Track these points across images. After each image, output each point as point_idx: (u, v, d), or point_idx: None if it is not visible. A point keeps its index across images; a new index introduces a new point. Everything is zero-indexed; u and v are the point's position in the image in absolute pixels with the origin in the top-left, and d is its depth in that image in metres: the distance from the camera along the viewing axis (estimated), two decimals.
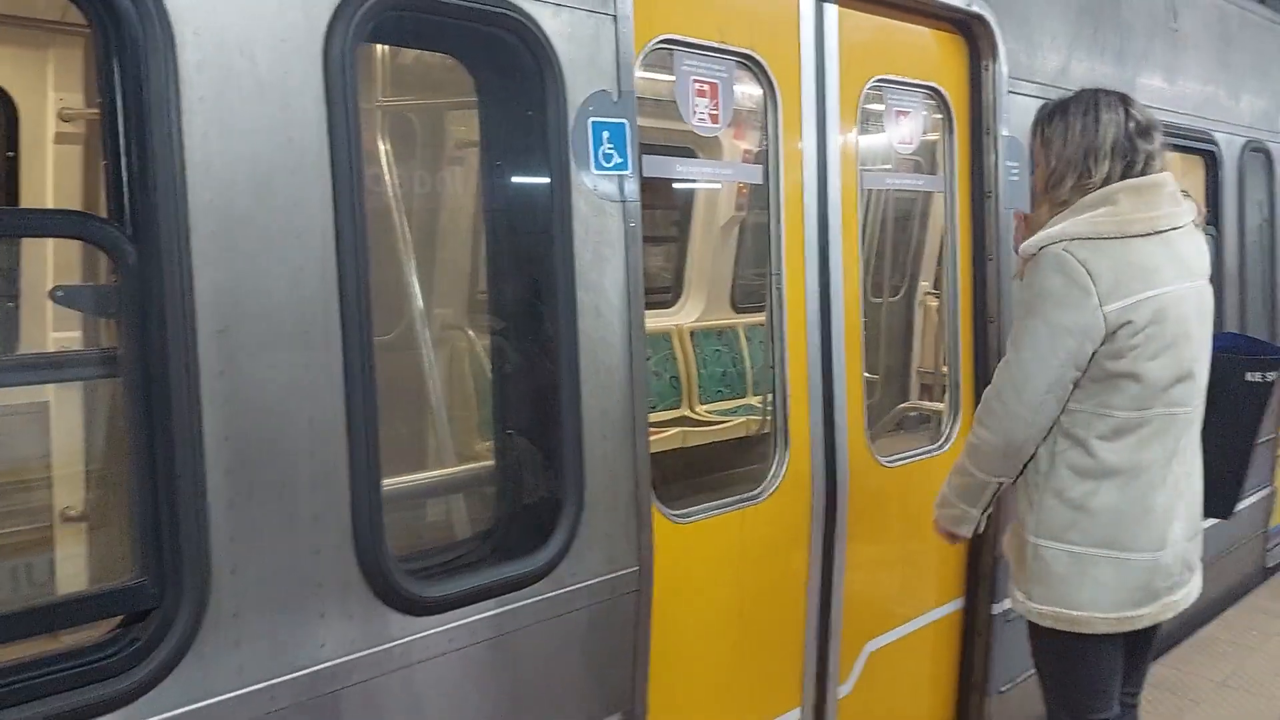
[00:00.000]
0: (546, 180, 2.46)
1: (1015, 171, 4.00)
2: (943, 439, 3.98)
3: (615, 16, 2.56)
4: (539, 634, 2.45)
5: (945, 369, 6.17)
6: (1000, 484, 2.82)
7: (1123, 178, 2.65)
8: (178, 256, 1.81)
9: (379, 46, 3.54)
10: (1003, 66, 3.90)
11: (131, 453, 1.80)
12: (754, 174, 3.28)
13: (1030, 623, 2.88)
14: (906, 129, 3.76)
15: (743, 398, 7.47)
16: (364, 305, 2.06)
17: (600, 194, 2.54)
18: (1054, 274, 2.58)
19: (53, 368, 1.97)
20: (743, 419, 6.77)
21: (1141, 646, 2.97)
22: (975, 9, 3.76)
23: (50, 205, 4.61)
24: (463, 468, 2.64)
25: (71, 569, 2.79)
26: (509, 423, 2.55)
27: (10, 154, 4.57)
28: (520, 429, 2.53)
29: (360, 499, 2.07)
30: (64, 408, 2.79)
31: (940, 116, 3.89)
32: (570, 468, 2.48)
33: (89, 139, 4.69)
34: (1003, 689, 4.15)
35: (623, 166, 2.59)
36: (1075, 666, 2.87)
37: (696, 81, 2.97)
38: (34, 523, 2.85)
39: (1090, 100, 2.74)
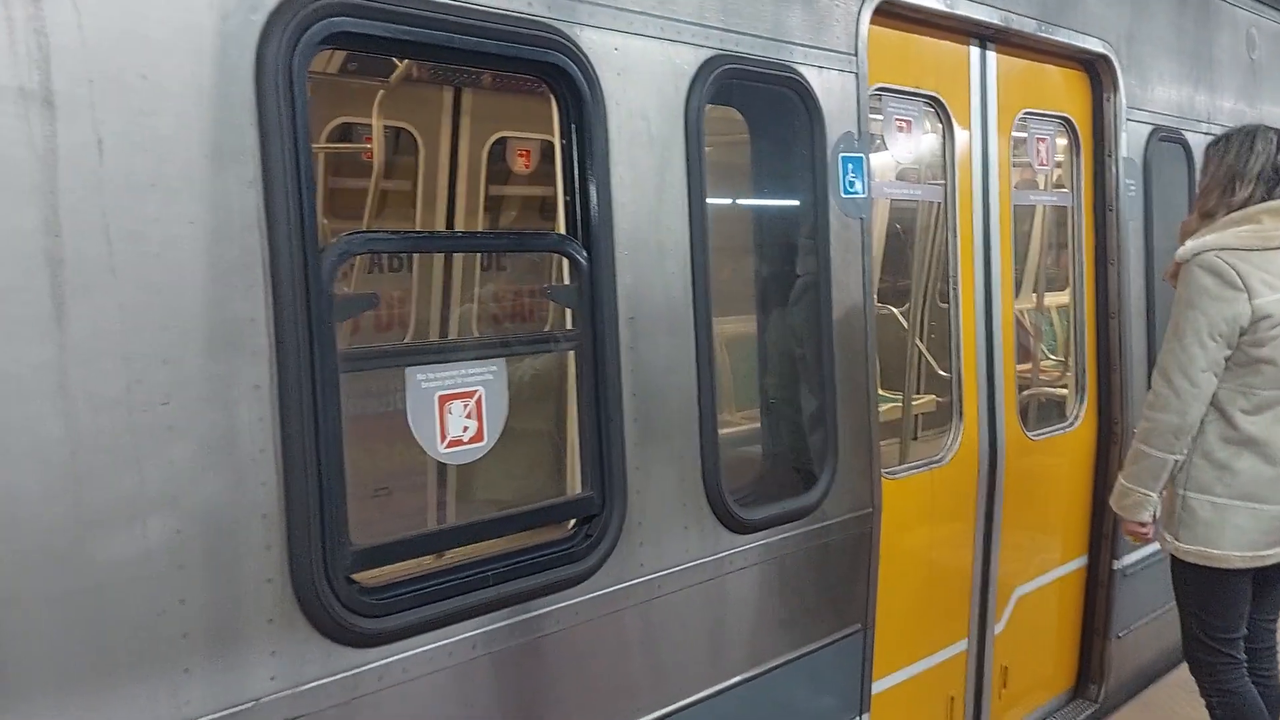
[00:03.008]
0: (811, 202, 3.16)
1: (1132, 188, 4.67)
2: (1071, 419, 4.64)
3: (856, 74, 3.26)
4: (809, 555, 3.14)
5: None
6: (1176, 461, 3.33)
7: (1265, 199, 3.31)
8: (610, 265, 2.52)
9: None
10: (1122, 98, 4.57)
11: (584, 402, 2.50)
12: (937, 194, 3.97)
13: (1176, 561, 3.50)
14: (1045, 152, 4.44)
15: None
16: (708, 306, 2.76)
17: (846, 212, 3.24)
18: (1208, 275, 3.22)
19: (540, 342, 2.67)
20: None
21: (1272, 579, 3.58)
22: (1100, 50, 4.44)
23: None
24: (756, 427, 3.34)
25: None
26: (793, 394, 3.25)
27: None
28: (798, 399, 3.23)
29: (706, 444, 2.77)
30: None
31: (1068, 141, 4.57)
32: (830, 429, 3.17)
33: None
34: (1120, 634, 4.81)
35: (861, 191, 3.28)
36: (1213, 596, 3.48)
37: (897, 119, 3.67)
38: None
39: (1250, 132, 3.40)
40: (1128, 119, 4.63)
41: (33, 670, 1.72)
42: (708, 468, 2.78)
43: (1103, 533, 4.71)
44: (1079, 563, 4.73)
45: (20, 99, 1.69)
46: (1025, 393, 5.43)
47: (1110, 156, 4.59)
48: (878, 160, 3.80)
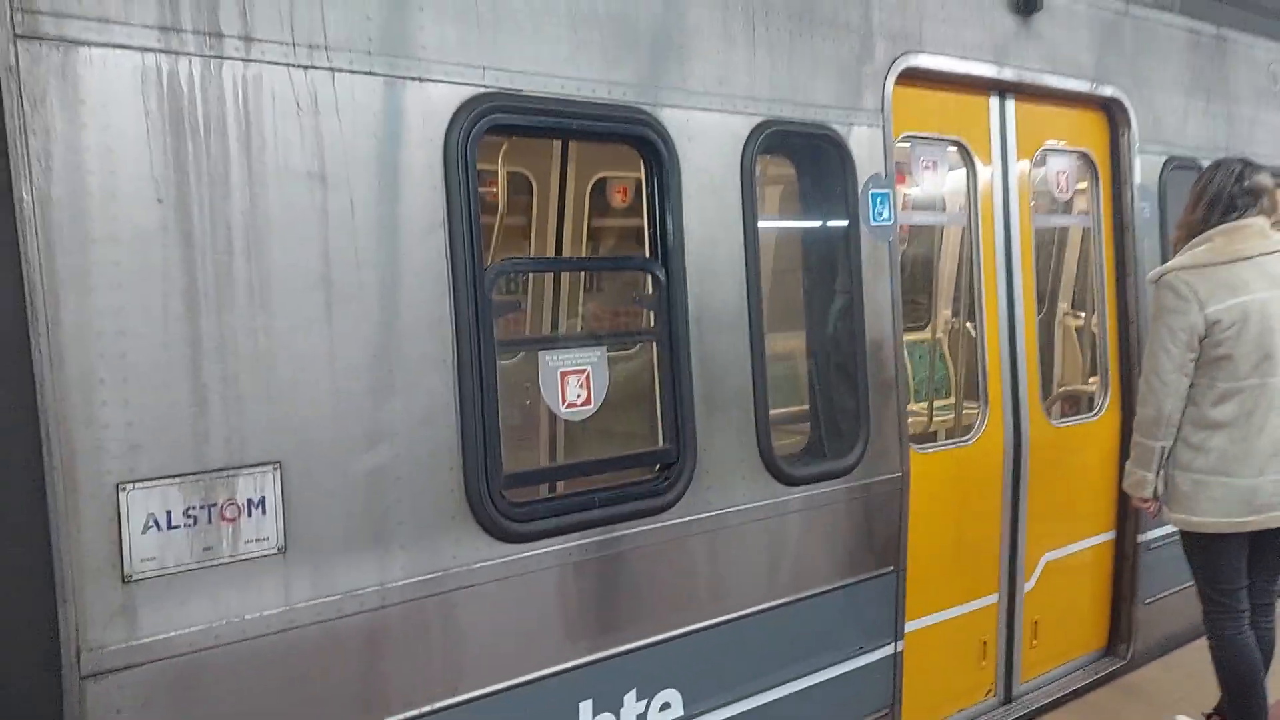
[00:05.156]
0: (845, 230, 4.02)
1: (1145, 210, 5.38)
2: (1096, 409, 5.36)
3: (883, 126, 4.12)
4: (848, 507, 3.99)
5: (1085, 383, 7.40)
6: (1163, 448, 4.07)
7: (1219, 222, 4.03)
8: (682, 280, 3.44)
9: None
10: (1134, 133, 5.30)
11: (664, 381, 3.42)
12: (961, 219, 4.78)
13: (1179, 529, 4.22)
14: (1064, 182, 5.21)
15: None
16: (760, 310, 3.65)
17: (875, 239, 4.09)
18: (1168, 293, 4.00)
19: (631, 335, 3.63)
20: None
21: (1265, 545, 4.19)
22: (1113, 94, 5.18)
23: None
24: (805, 407, 4.23)
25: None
26: (832, 381, 4.12)
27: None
28: (837, 385, 4.10)
29: (759, 416, 3.65)
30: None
31: (1088, 171, 5.31)
32: (862, 409, 4.02)
33: None
34: (1147, 601, 5.46)
35: (888, 220, 4.13)
36: (1206, 556, 4.19)
37: (924, 160, 4.51)
38: None
39: (1217, 163, 4.17)
40: (1142, 151, 5.35)
41: (317, 540, 2.71)
42: (760, 433, 3.66)
43: (1128, 510, 5.38)
44: (1107, 536, 5.41)
45: (308, 177, 2.70)
46: (1058, 391, 6.15)
47: (1126, 184, 5.32)
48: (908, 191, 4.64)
